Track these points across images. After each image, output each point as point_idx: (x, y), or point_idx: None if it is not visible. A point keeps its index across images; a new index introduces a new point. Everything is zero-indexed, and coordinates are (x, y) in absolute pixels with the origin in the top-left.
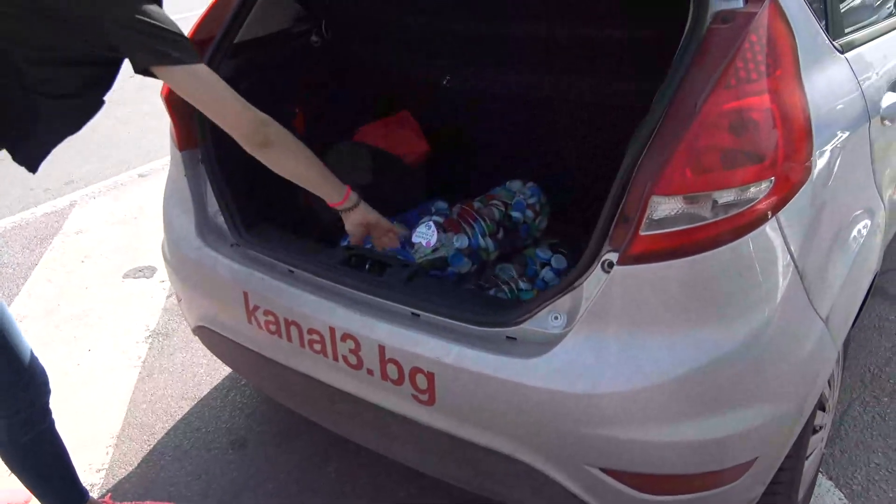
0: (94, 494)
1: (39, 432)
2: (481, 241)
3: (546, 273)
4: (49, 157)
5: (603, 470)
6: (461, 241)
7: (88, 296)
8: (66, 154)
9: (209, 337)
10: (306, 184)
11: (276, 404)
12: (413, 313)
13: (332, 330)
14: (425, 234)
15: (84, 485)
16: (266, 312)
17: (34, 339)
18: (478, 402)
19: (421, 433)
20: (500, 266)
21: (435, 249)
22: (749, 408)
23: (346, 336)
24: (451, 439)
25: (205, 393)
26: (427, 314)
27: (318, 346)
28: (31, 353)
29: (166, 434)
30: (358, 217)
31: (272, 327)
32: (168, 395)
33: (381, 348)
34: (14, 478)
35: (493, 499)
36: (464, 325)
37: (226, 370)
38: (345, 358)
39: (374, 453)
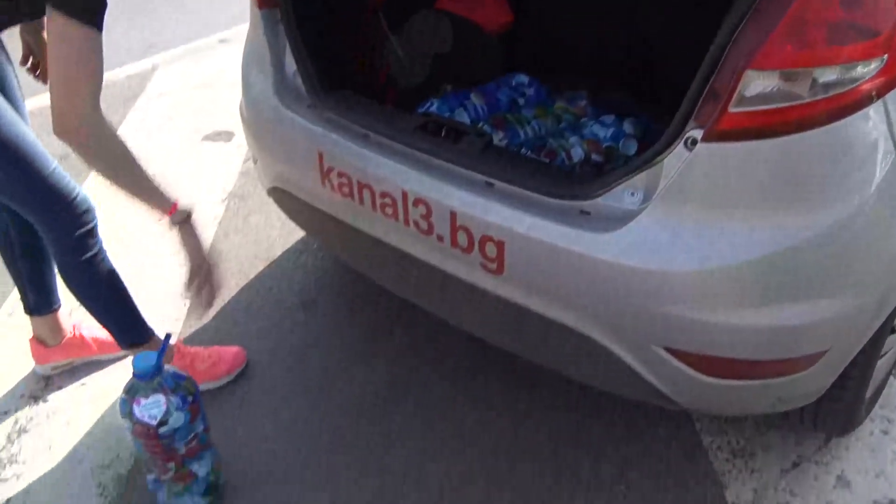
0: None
1: (93, 255)
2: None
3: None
4: (130, 22)
5: (668, 350)
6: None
7: (169, 157)
8: (146, 18)
9: (283, 198)
10: (126, 193)
11: (347, 270)
12: (487, 182)
13: (404, 194)
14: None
15: (160, 334)
16: (340, 174)
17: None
18: (546, 274)
19: (486, 302)
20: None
21: None
22: (826, 298)
23: (418, 201)
24: (516, 309)
25: (277, 255)
26: (501, 183)
27: (389, 210)
28: (69, 178)
29: (240, 291)
30: (190, 233)
31: (345, 189)
32: (243, 255)
33: (453, 214)
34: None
35: (550, 368)
36: (537, 196)
37: (298, 234)
38: (415, 223)
39: (440, 325)
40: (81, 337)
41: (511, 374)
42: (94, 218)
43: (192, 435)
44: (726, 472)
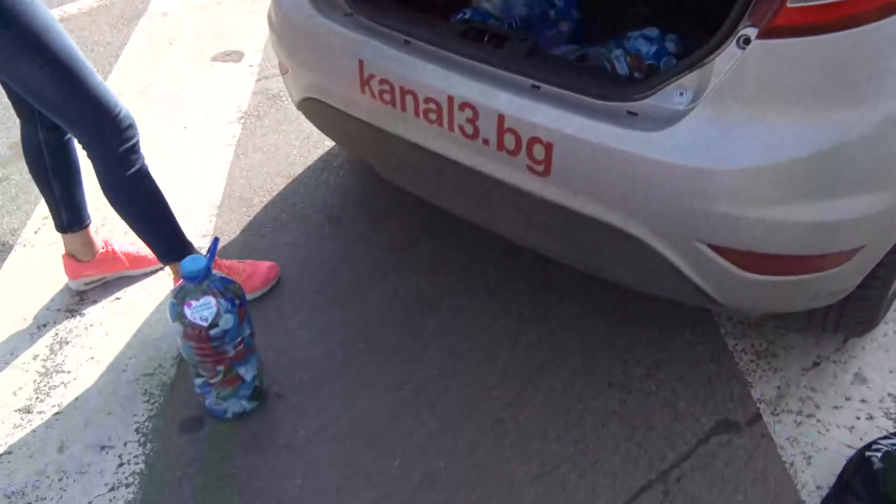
0: None
1: (137, 170)
2: None
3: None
4: None
5: (711, 246)
6: None
7: (179, 77)
8: None
9: (317, 109)
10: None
11: (370, 186)
12: (533, 85)
13: (450, 99)
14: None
15: None
16: (381, 81)
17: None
18: (594, 174)
19: (531, 205)
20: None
21: None
22: (868, 194)
23: (465, 105)
24: (562, 211)
25: (299, 172)
26: (547, 87)
27: (433, 116)
28: (113, 95)
29: (264, 208)
30: None
31: (386, 97)
32: (264, 173)
33: (500, 117)
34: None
35: (588, 272)
36: (584, 98)
37: (319, 152)
38: (461, 128)
39: (467, 236)
40: (113, 252)
41: (541, 283)
42: (136, 133)
43: (240, 339)
44: (751, 371)
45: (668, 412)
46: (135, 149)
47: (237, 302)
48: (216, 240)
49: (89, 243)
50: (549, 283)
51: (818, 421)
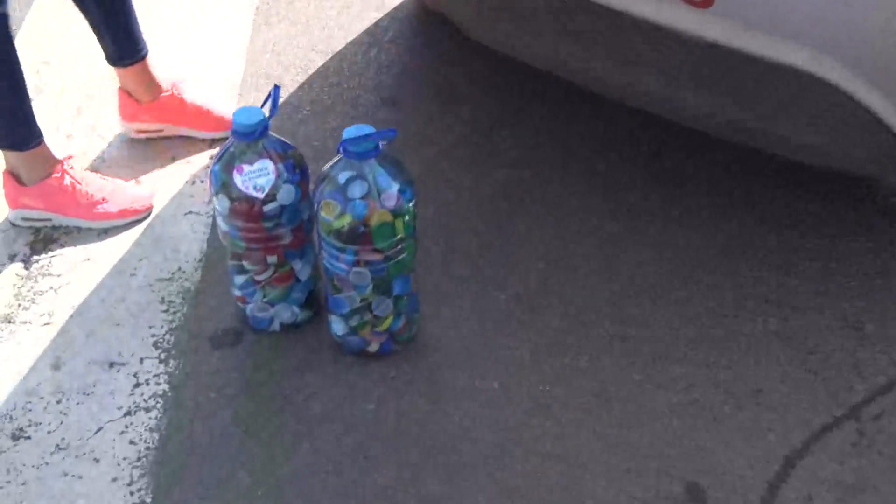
0: None
1: None
2: None
3: None
4: None
5: None
6: None
7: None
8: None
9: None
10: None
11: (432, 65)
12: None
13: None
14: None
15: None
16: None
17: None
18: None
19: (681, 49)
20: None
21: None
22: None
23: None
24: (723, 53)
25: (340, 47)
26: None
27: None
28: None
29: (300, 87)
30: None
31: None
32: (294, 46)
33: None
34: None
35: (736, 137)
36: None
37: (362, 25)
38: None
39: (560, 122)
40: (181, 100)
41: (651, 174)
42: None
43: (299, 221)
44: None
45: (851, 335)
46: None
47: (298, 172)
48: (277, 88)
49: (149, 81)
50: (663, 172)
51: None
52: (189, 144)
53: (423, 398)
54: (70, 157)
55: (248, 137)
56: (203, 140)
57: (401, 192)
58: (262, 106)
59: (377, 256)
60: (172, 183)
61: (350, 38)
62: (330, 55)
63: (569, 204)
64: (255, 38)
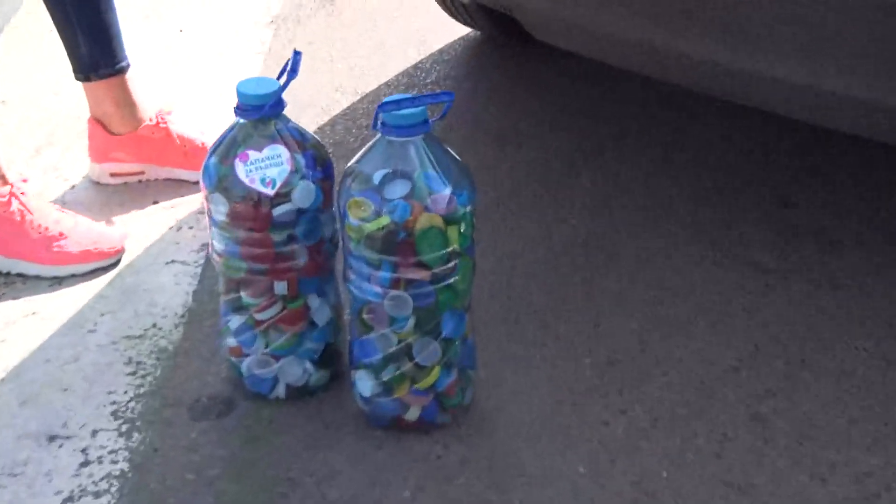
0: None
1: None
2: None
3: None
4: None
5: None
6: None
7: None
8: None
9: None
10: None
11: (478, 109)
12: None
13: None
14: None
15: None
16: None
17: None
18: None
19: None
20: None
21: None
22: None
23: None
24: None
25: (370, 89)
26: None
27: None
28: None
29: (319, 129)
30: None
31: None
32: (313, 84)
33: None
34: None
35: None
36: None
37: (398, 66)
38: None
39: (629, 168)
40: (167, 131)
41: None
42: None
43: (320, 238)
44: None
45: None
46: None
47: (320, 170)
48: (297, 53)
49: (128, 104)
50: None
51: None
52: (176, 187)
53: (482, 484)
54: (25, 181)
55: (256, 114)
56: (194, 183)
57: (455, 192)
58: (279, 78)
59: (422, 274)
60: (152, 228)
61: (384, 80)
62: (359, 96)
63: (665, 255)
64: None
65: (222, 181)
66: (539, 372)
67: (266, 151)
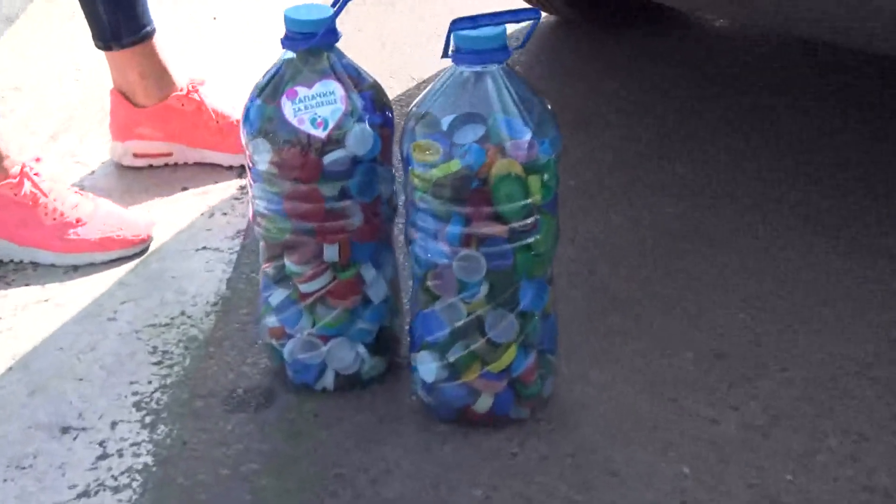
0: None
1: None
2: None
3: None
4: None
5: None
6: None
7: None
8: None
9: None
10: None
11: (554, 92)
12: None
13: None
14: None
15: None
16: None
17: None
18: None
19: None
20: None
21: None
22: None
23: None
24: None
25: (429, 75)
26: None
27: None
28: None
29: None
30: None
31: None
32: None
33: None
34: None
35: None
36: None
37: None
38: None
39: (729, 150)
40: (200, 102)
41: None
42: None
43: (377, 195)
44: None
45: None
46: None
47: (380, 114)
48: None
49: (157, 71)
50: None
51: None
52: (207, 172)
53: (566, 484)
54: (38, 160)
55: (306, 43)
56: (229, 168)
57: (538, 137)
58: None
59: (498, 230)
60: (181, 215)
61: (441, 67)
62: (415, 82)
63: (778, 246)
64: None
65: (266, 124)
66: (629, 366)
67: (317, 87)
